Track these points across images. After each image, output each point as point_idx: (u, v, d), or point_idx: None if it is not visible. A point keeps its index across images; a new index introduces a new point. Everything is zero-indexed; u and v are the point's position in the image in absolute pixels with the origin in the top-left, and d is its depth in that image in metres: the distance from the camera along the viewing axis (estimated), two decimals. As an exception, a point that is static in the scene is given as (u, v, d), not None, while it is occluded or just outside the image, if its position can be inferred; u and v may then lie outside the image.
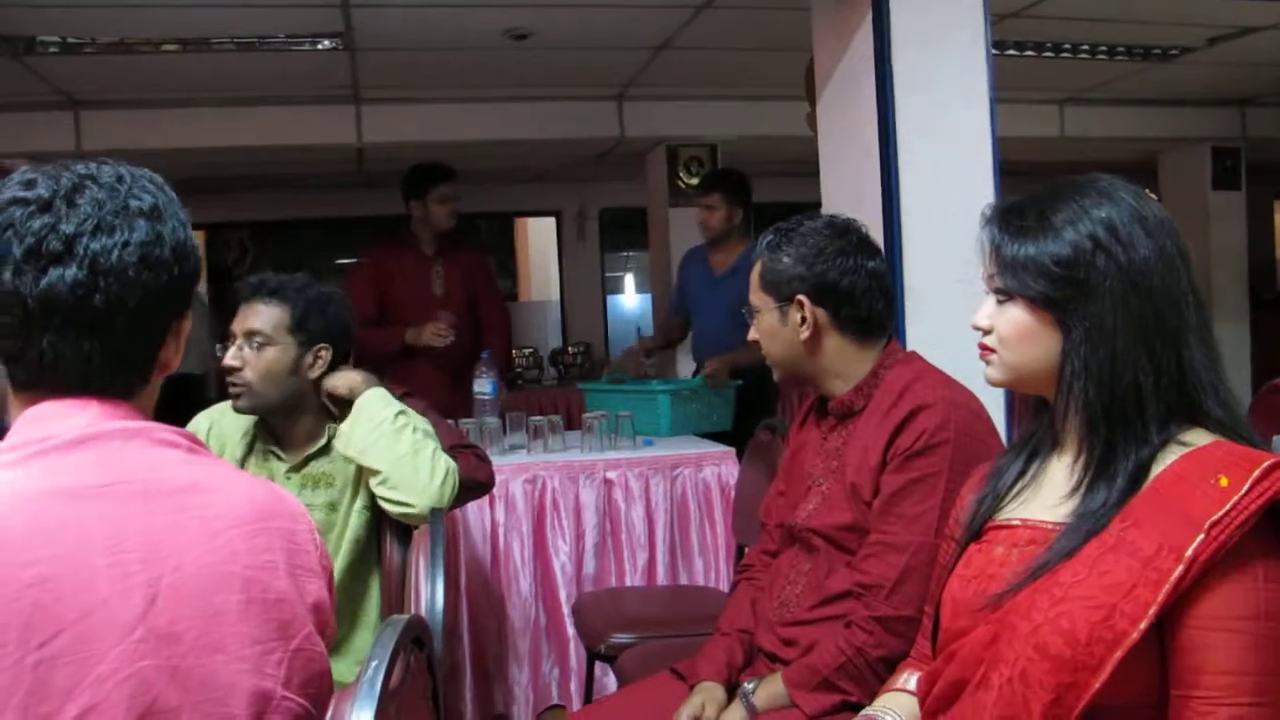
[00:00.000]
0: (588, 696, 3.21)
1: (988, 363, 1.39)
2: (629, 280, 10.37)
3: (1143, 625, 1.15)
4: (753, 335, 2.02)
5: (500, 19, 4.48)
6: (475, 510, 3.36)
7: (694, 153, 6.28)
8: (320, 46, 4.72)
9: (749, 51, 5.09)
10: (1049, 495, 1.35)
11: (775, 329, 1.97)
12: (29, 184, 1.04)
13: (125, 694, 0.93)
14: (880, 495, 1.82)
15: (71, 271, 1.01)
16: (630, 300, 10.23)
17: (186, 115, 5.60)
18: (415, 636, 1.13)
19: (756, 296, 1.99)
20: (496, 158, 6.36)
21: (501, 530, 3.41)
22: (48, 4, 4.05)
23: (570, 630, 3.40)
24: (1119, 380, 1.26)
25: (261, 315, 2.26)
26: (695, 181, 6.17)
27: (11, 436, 1.04)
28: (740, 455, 3.50)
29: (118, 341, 1.05)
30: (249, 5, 4.20)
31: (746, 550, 2.22)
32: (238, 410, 2.29)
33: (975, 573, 1.36)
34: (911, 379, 1.88)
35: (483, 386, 3.83)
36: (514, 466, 3.43)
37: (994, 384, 1.40)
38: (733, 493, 3.42)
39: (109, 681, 0.92)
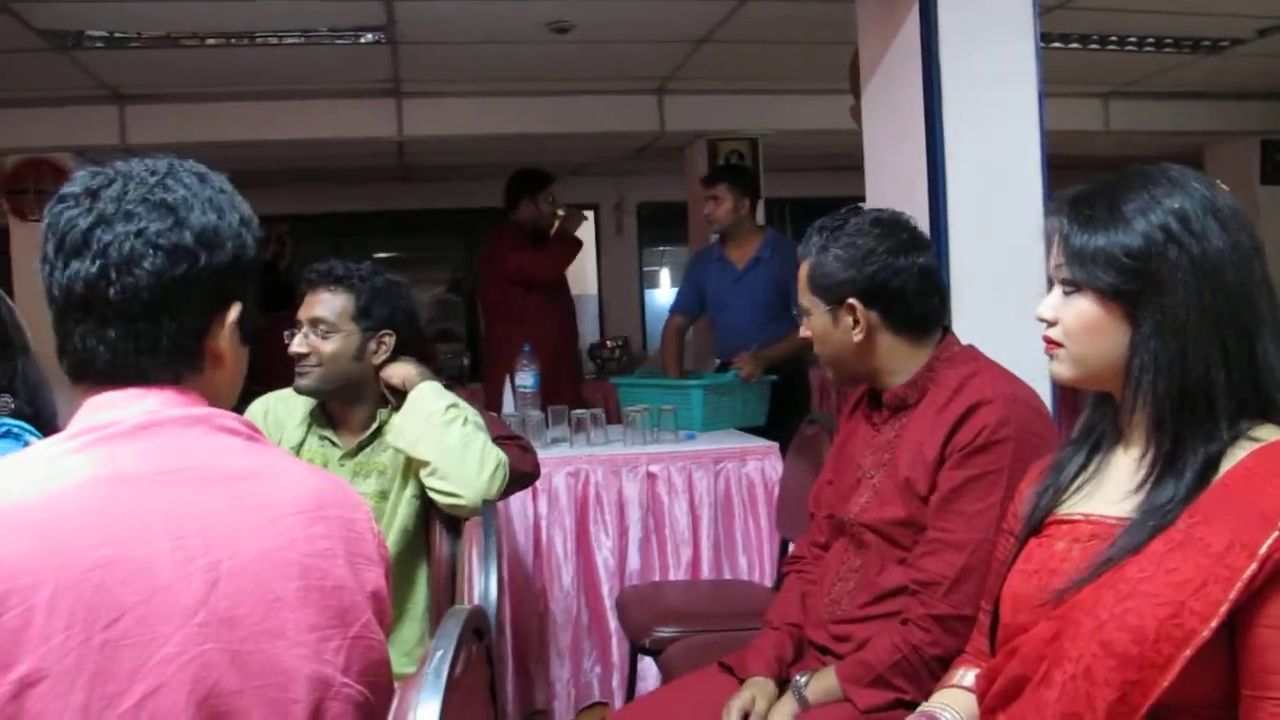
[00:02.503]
0: (630, 692, 3.21)
1: (1052, 357, 1.35)
2: (664, 275, 10.36)
3: (1213, 623, 1.13)
4: (804, 333, 1.99)
5: (542, 12, 4.47)
6: (518, 503, 3.37)
7: (734, 146, 6.25)
8: (363, 40, 4.74)
9: (791, 44, 5.06)
10: (1112, 490, 1.32)
11: (827, 331, 1.94)
12: (74, 181, 1.08)
13: (188, 677, 0.94)
14: (938, 492, 1.79)
15: (86, 264, 1.03)
16: (665, 295, 10.19)
17: (229, 109, 5.65)
18: (476, 628, 1.13)
19: (806, 298, 1.96)
20: (535, 151, 6.37)
21: (544, 523, 3.41)
22: (95, -1, 4.09)
23: (613, 625, 3.39)
24: (1190, 374, 1.23)
25: (327, 303, 2.29)
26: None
27: (75, 423, 1.06)
28: (782, 450, 3.49)
29: (143, 330, 1.06)
30: (293, -1, 4.23)
31: (795, 542, 2.20)
32: (300, 391, 2.32)
33: (1036, 568, 1.34)
34: (969, 374, 1.85)
35: (524, 379, 3.84)
36: (556, 459, 3.43)
37: (1060, 380, 1.36)
38: (776, 488, 3.41)
39: (172, 664, 0.94)
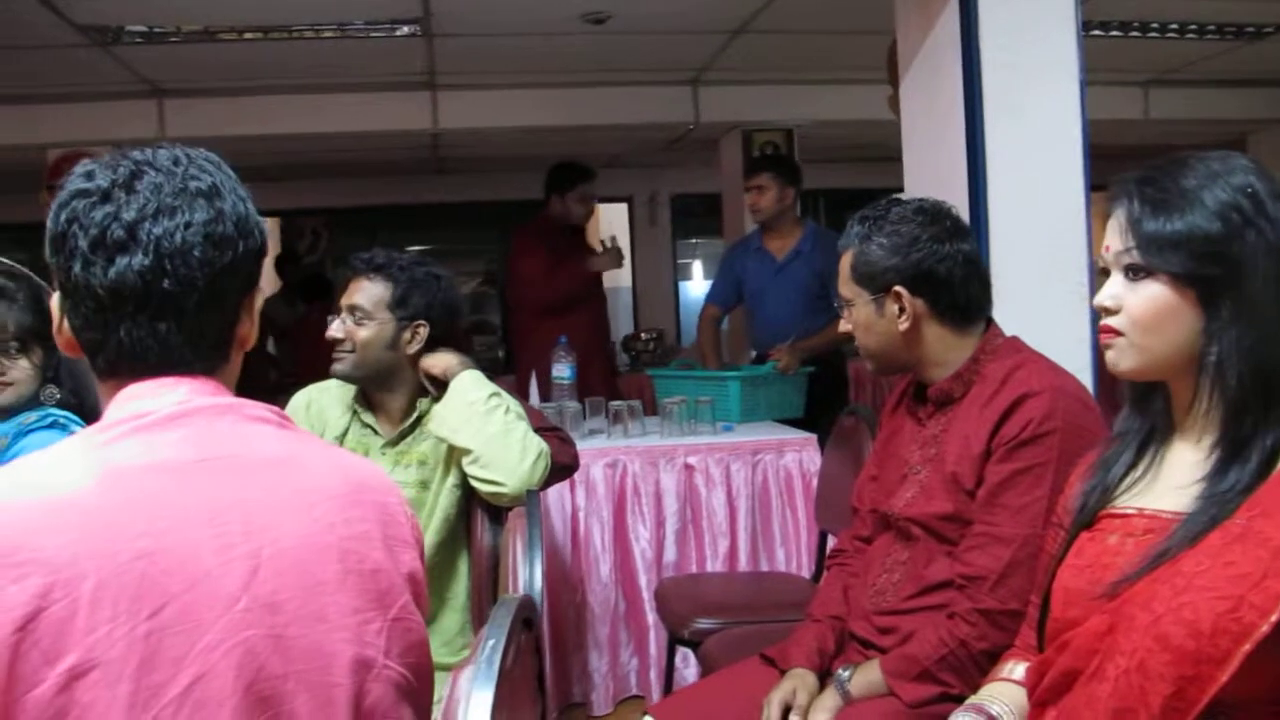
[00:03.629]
0: (667, 684, 3.21)
1: (1110, 347, 1.30)
2: (697, 267, 10.35)
3: (1273, 618, 1.11)
4: (845, 327, 1.98)
5: (578, 3, 4.47)
6: (556, 494, 3.37)
7: (770, 137, 6.23)
8: (399, 33, 4.75)
9: (827, 34, 5.04)
10: (1166, 484, 1.30)
11: (871, 321, 1.93)
12: (89, 175, 1.06)
13: (233, 663, 0.95)
14: (985, 485, 1.78)
15: (138, 259, 1.02)
16: (698, 287, 10.19)
17: (266, 102, 5.70)
18: (525, 617, 1.13)
19: (848, 289, 1.95)
20: (569, 143, 6.38)
21: (582, 515, 3.41)
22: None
23: (650, 618, 3.39)
24: (1267, 362, 1.21)
25: (365, 291, 2.32)
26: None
27: (108, 415, 1.06)
28: (820, 442, 3.48)
29: (192, 321, 1.06)
30: (330, -9, 4.25)
31: (839, 535, 2.19)
32: (334, 375, 2.35)
33: (1088, 562, 1.32)
34: (1014, 366, 1.83)
35: (561, 371, 3.84)
36: (594, 451, 3.42)
37: (1121, 373, 1.32)
38: (814, 480, 3.39)
39: (217, 651, 0.94)
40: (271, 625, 0.98)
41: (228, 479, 1.02)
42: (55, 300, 1.09)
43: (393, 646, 1.05)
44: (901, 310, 1.88)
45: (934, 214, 1.92)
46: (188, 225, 1.04)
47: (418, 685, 1.09)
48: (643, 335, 7.49)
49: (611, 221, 9.42)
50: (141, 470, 0.99)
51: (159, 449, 1.01)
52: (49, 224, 1.06)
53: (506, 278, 5.09)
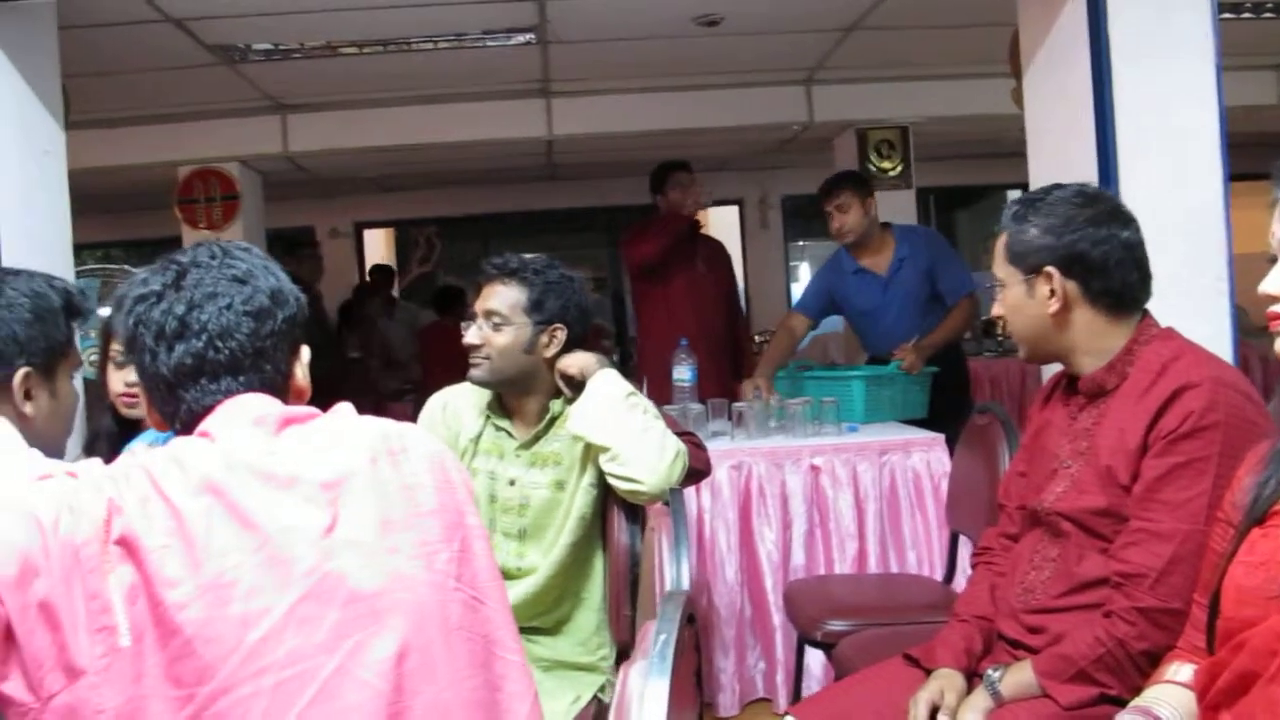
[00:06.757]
0: (796, 687, 3.19)
1: (1278, 334, 1.29)
2: (804, 269, 10.28)
3: None
4: (998, 310, 1.95)
5: (692, 6, 4.48)
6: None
7: (885, 135, 6.16)
8: (514, 41, 4.82)
9: (942, 29, 4.97)
10: None
11: (1021, 303, 1.89)
12: (144, 282, 1.30)
13: (328, 586, 1.14)
14: (1142, 480, 1.72)
15: (193, 343, 1.25)
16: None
17: (385, 114, 5.83)
18: (689, 613, 1.13)
19: (1002, 269, 1.92)
20: (680, 146, 6.39)
21: (707, 517, 3.40)
22: (260, 13, 4.25)
23: (776, 620, 3.37)
24: None
25: (500, 296, 2.33)
26: (888, 165, 6.08)
27: (219, 421, 1.25)
28: (947, 442, 3.42)
29: (247, 377, 1.28)
30: (448, 3, 4.31)
31: (985, 533, 2.14)
32: (473, 381, 2.36)
33: (1262, 559, 1.28)
34: (1171, 356, 1.78)
35: (682, 373, 3.83)
36: (720, 452, 3.38)
37: None
38: (943, 480, 3.34)
39: (313, 577, 1.13)
40: (355, 556, 1.16)
41: (302, 454, 1.21)
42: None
43: (463, 572, 1.23)
44: (1052, 292, 1.85)
45: (1093, 198, 1.88)
46: (229, 306, 1.27)
47: (489, 602, 1.26)
48: (755, 338, 7.47)
49: (722, 223, 9.44)
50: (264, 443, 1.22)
51: (264, 438, 1.23)
52: (121, 330, 1.30)
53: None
